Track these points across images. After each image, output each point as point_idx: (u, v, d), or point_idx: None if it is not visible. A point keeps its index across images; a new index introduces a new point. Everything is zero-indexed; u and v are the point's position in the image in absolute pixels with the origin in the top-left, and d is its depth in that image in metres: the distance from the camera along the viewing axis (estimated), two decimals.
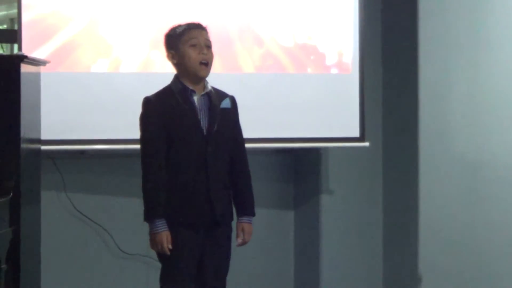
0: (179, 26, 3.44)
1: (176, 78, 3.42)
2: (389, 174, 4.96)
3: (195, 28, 3.41)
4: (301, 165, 4.97)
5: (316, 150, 4.86)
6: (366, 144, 4.66)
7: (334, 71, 4.61)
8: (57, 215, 4.47)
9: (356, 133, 4.63)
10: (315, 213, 4.91)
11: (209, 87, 3.42)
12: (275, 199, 4.95)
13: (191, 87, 3.39)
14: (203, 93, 3.41)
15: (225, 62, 4.38)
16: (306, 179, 4.96)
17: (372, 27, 4.87)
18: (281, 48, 4.52)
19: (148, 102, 3.38)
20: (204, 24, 3.45)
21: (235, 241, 3.52)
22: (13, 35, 4.34)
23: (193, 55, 3.37)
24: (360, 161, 4.93)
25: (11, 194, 3.46)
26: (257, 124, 4.38)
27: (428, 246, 4.68)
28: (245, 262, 4.69)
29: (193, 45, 3.38)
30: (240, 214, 3.51)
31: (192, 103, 3.38)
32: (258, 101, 4.45)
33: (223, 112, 3.43)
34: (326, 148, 4.83)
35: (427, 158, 4.68)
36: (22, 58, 3.58)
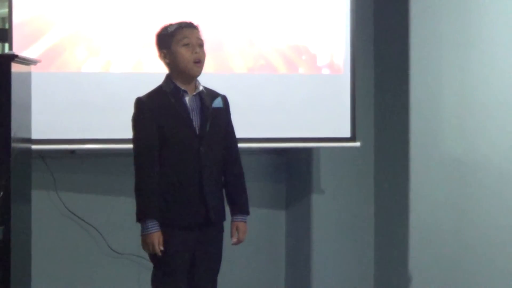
0: (171, 25, 3.43)
1: (168, 78, 3.42)
2: (380, 174, 4.97)
3: (187, 27, 3.40)
4: (292, 165, 4.98)
5: (308, 150, 4.87)
6: (357, 144, 4.67)
7: (325, 71, 4.62)
8: (47, 214, 4.46)
9: (347, 133, 4.63)
10: (307, 213, 4.91)
11: (201, 87, 3.42)
12: (267, 199, 4.96)
13: (183, 87, 3.38)
14: (194, 93, 3.40)
15: (216, 63, 4.38)
16: (297, 179, 4.96)
17: (364, 28, 4.87)
18: (272, 49, 4.52)
19: (140, 103, 3.37)
20: (195, 22, 3.45)
21: (227, 241, 3.52)
22: (4, 34, 4.33)
23: (186, 55, 3.36)
24: (352, 161, 4.93)
25: (2, 193, 3.45)
26: (248, 124, 4.38)
27: (418, 246, 4.69)
28: (237, 261, 4.69)
29: (186, 45, 3.37)
30: (235, 213, 3.51)
31: (184, 103, 3.37)
32: (249, 101, 4.45)
33: (215, 112, 3.43)
34: (317, 148, 4.84)
35: (418, 158, 4.69)
36: (13, 57, 3.57)
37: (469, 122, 4.30)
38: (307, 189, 4.92)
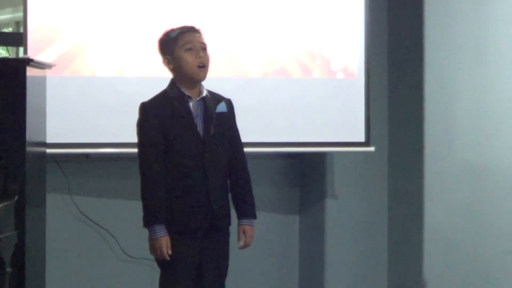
0: (172, 30, 3.42)
1: (172, 83, 3.41)
2: (394, 179, 4.96)
3: (189, 32, 3.39)
4: (306, 169, 4.97)
5: (322, 154, 4.86)
6: (372, 149, 4.66)
7: (339, 76, 4.61)
8: (62, 218, 4.47)
9: (361, 138, 4.62)
10: (320, 218, 4.91)
11: (205, 92, 3.41)
12: (281, 203, 4.95)
13: (187, 93, 3.37)
14: (198, 98, 3.39)
15: (230, 67, 4.38)
16: (311, 184, 4.95)
17: (378, 32, 4.86)
18: (287, 53, 4.51)
19: (145, 108, 3.37)
20: (197, 26, 3.43)
21: (235, 246, 3.50)
22: (18, 38, 4.35)
23: (189, 60, 3.35)
24: (366, 166, 4.92)
25: (16, 197, 3.46)
26: (262, 129, 4.37)
27: (433, 251, 4.67)
28: (250, 266, 4.68)
29: (189, 49, 3.36)
30: (241, 216, 3.48)
31: (188, 108, 3.36)
32: (263, 105, 4.44)
33: (219, 117, 3.41)
34: (331, 153, 4.83)
35: (433, 163, 4.67)
36: (28, 61, 3.58)
37: (484, 126, 4.29)
38: (321, 193, 4.91)
